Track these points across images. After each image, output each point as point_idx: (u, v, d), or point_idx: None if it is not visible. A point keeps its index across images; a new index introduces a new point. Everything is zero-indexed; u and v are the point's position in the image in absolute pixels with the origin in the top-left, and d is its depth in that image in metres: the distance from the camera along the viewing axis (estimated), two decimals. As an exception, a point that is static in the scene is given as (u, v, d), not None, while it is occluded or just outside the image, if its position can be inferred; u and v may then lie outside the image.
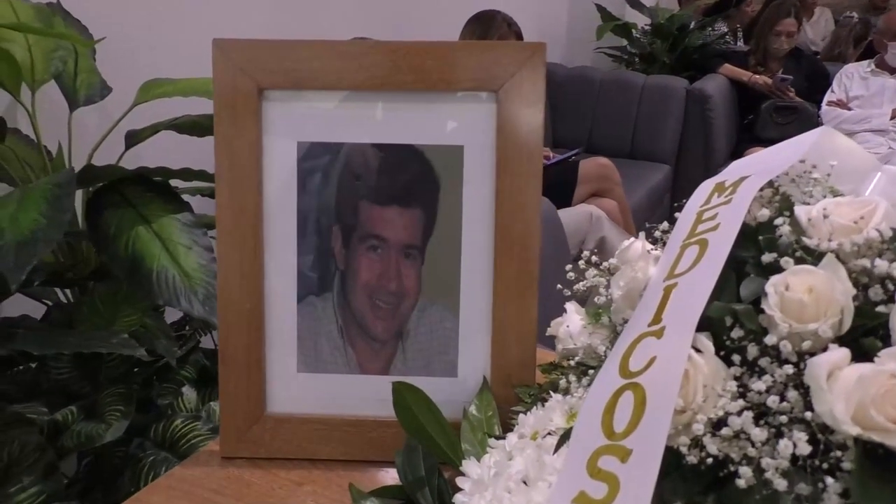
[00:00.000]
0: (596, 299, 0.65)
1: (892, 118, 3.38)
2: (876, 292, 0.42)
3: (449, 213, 0.65)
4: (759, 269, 0.49)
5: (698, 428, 0.40)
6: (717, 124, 3.47)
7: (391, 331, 0.67)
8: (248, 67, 0.63)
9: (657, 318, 0.47)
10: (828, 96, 3.57)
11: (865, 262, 0.44)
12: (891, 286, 0.42)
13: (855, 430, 0.36)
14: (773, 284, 0.44)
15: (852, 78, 3.57)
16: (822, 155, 0.57)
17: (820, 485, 0.37)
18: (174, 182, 1.12)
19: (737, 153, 3.55)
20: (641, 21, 4.14)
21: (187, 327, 1.33)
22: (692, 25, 4.00)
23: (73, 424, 0.95)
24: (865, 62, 3.62)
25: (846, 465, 0.37)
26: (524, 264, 0.65)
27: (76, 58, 1.23)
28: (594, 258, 0.61)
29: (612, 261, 0.63)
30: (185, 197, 1.08)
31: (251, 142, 0.64)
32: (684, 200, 0.58)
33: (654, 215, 3.42)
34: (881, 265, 0.42)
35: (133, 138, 1.23)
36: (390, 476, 0.65)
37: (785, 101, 3.50)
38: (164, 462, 1.01)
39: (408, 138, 0.65)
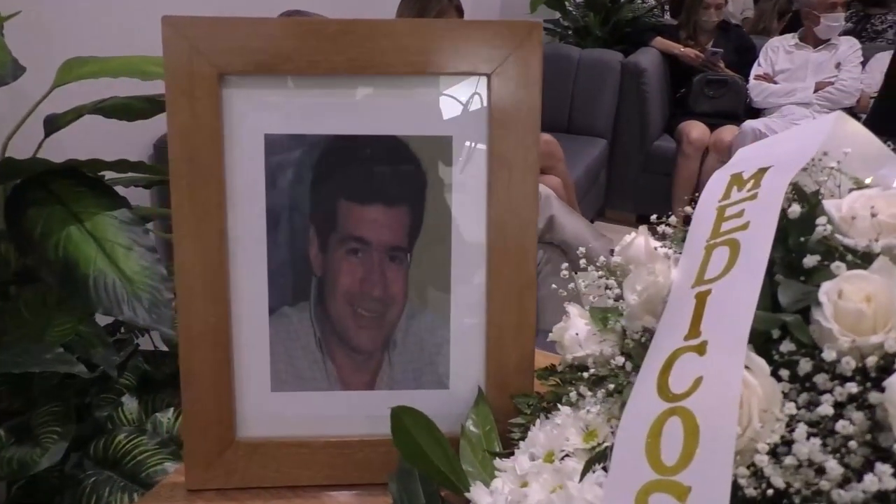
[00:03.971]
0: (592, 299, 0.61)
1: (815, 91, 3.48)
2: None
3: (437, 211, 0.59)
4: (790, 272, 0.45)
5: (761, 459, 0.36)
6: (651, 98, 3.50)
7: (376, 342, 0.61)
8: (206, 49, 0.55)
9: (695, 332, 0.42)
10: (755, 70, 3.65)
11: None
12: (952, 293, 0.39)
13: (946, 461, 0.33)
14: (825, 293, 0.40)
15: (777, 52, 3.65)
16: (832, 142, 0.54)
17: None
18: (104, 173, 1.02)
19: (670, 126, 3.60)
20: (575, -6, 4.13)
21: (122, 329, 1.23)
22: (623, -1, 4.02)
23: (2, 450, 0.84)
24: (790, 35, 3.70)
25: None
26: (521, 264, 0.60)
27: (-18, 34, 1.10)
28: (605, 261, 0.56)
29: (616, 259, 0.59)
30: (118, 189, 0.97)
31: (211, 134, 0.56)
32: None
33: (592, 190, 3.43)
34: (943, 269, 0.39)
35: (52, 124, 1.10)
36: (381, 501, 0.59)
37: (716, 75, 3.55)
38: (107, 483, 0.92)
39: (390, 129, 0.58)
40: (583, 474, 0.45)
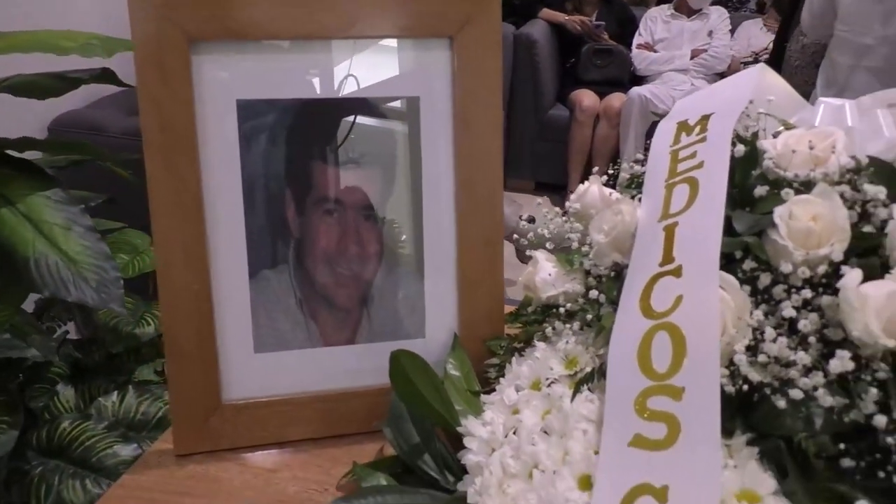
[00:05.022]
0: (546, 245, 0.66)
1: (691, 58, 3.71)
2: (854, 214, 0.46)
3: (408, 170, 0.62)
4: (738, 203, 0.51)
5: (739, 358, 0.42)
6: (543, 68, 3.62)
7: (355, 298, 0.63)
8: (175, 15, 0.55)
9: (668, 259, 0.48)
10: (636, 39, 3.84)
11: (844, 188, 0.47)
12: (879, 208, 0.46)
13: (891, 343, 0.40)
14: (779, 216, 0.46)
15: (656, 21, 3.86)
16: (758, 92, 0.61)
17: (860, 395, 0.40)
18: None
19: (562, 96, 3.74)
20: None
21: (45, 315, 1.17)
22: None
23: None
24: (665, 6, 3.91)
25: (881, 375, 0.40)
26: (490, 217, 0.64)
27: None
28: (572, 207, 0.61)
29: (575, 206, 0.64)
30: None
31: (183, 102, 0.57)
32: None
33: (492, 160, 3.52)
34: (870, 190, 0.46)
35: (-47, 104, 1.03)
36: (369, 448, 0.62)
37: (602, 45, 3.71)
38: (56, 471, 0.89)
39: (360, 92, 0.60)
40: (574, 394, 0.50)
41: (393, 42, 0.60)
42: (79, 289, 0.78)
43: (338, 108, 0.60)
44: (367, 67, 0.60)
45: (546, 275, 0.61)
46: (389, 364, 0.54)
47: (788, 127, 0.57)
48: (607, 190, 0.63)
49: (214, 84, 0.57)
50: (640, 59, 3.77)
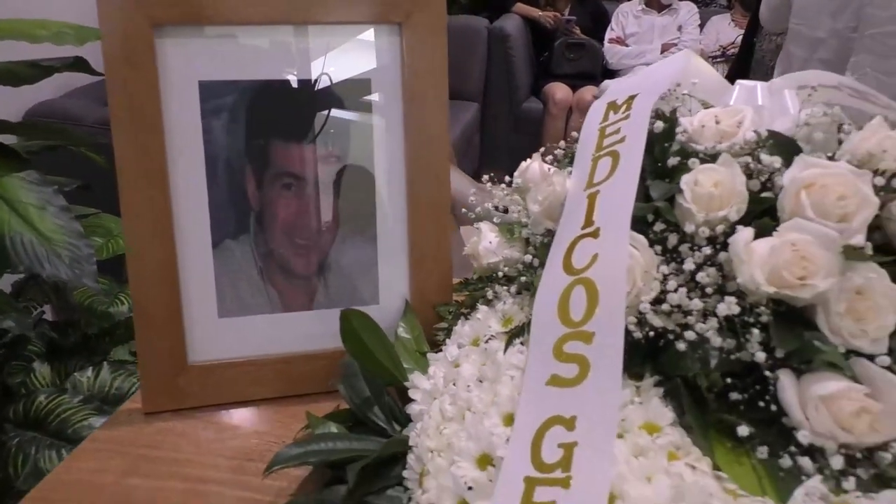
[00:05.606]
0: (495, 219, 0.71)
1: (661, 52, 3.79)
2: (758, 183, 0.52)
3: (361, 146, 0.67)
4: (658, 174, 0.57)
5: (644, 307, 0.48)
6: (517, 62, 3.67)
7: (312, 267, 0.68)
8: (139, 1, 0.59)
9: (589, 223, 0.53)
10: (608, 34, 3.92)
11: (747, 159, 0.53)
12: (774, 177, 0.51)
13: (772, 290, 0.45)
14: (685, 183, 0.51)
15: (627, 16, 3.93)
16: (684, 75, 0.66)
17: (745, 338, 0.46)
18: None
19: (536, 89, 3.80)
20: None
21: (21, 297, 1.21)
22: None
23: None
24: (636, 1, 3.99)
25: (764, 319, 0.46)
26: (437, 190, 0.68)
27: None
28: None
29: (517, 180, 0.69)
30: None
31: (148, 83, 0.61)
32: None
33: (468, 153, 3.57)
34: (766, 160, 0.51)
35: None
36: (327, 406, 0.67)
37: (574, 39, 3.78)
38: (33, 442, 0.93)
39: (316, 73, 0.65)
40: (506, 347, 0.55)
41: (346, 27, 0.65)
42: (53, 265, 0.82)
43: (294, 88, 0.65)
44: (322, 51, 0.65)
45: (488, 243, 0.66)
46: (340, 323, 0.59)
47: (707, 106, 0.63)
48: (547, 166, 0.68)
49: (177, 66, 0.62)
50: (611, 53, 3.84)
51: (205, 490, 0.58)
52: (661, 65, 0.69)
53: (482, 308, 0.63)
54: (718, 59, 3.70)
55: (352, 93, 0.66)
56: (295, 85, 0.65)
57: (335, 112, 0.66)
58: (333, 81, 0.65)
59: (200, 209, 0.64)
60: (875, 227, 0.53)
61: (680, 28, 3.79)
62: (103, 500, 0.57)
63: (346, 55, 0.66)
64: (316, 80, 0.65)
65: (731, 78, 0.73)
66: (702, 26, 3.88)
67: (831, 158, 0.53)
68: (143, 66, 0.61)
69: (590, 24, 3.87)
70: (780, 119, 0.62)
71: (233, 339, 0.67)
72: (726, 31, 3.88)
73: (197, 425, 0.65)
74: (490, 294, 0.64)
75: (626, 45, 3.85)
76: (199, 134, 0.63)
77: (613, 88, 0.70)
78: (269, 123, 0.65)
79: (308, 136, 0.66)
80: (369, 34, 0.66)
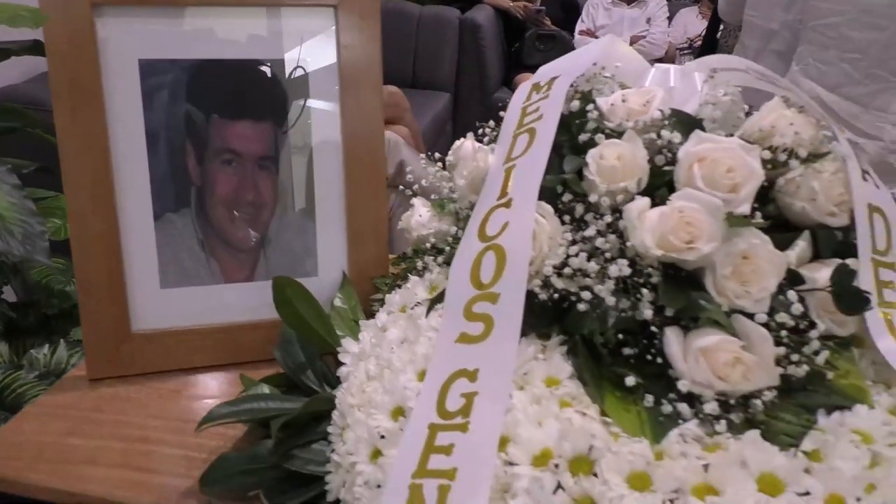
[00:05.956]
0: (432, 197, 0.75)
1: (630, 44, 3.84)
2: (663, 158, 0.56)
3: (299, 124, 0.70)
4: (574, 150, 0.61)
5: (548, 270, 0.51)
6: (488, 52, 3.70)
7: (252, 240, 0.71)
8: (79, -19, 0.62)
9: (504, 193, 0.57)
10: (579, 26, 3.96)
11: (653, 135, 0.57)
12: (672, 151, 0.55)
13: (660, 253, 0.49)
14: (591, 156, 0.55)
15: (597, 8, 3.98)
16: (608, 60, 0.70)
17: (636, 297, 0.49)
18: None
19: (507, 79, 3.83)
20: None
21: (-21, 280, 1.22)
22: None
23: None
24: (607, -8, 4.03)
25: (654, 280, 0.50)
26: (373, 168, 0.72)
27: None
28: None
29: (450, 158, 0.72)
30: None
31: (88, 60, 0.63)
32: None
33: (439, 142, 3.60)
34: (666, 135, 0.55)
35: None
36: (266, 373, 0.70)
37: (545, 30, 3.82)
38: (-12, 417, 0.95)
39: (252, 53, 0.68)
40: (428, 311, 0.59)
41: (284, 10, 0.68)
42: (4, 241, 0.84)
43: (232, 68, 0.67)
44: (260, 32, 0.68)
45: (419, 217, 0.70)
46: (273, 291, 0.62)
47: (624, 87, 0.67)
48: (478, 144, 0.71)
49: (117, 45, 0.64)
50: (581, 44, 3.88)
51: (145, 449, 0.61)
52: (584, 49, 0.73)
53: (413, 278, 0.67)
54: (686, 52, 3.77)
55: (289, 73, 0.69)
56: (234, 65, 0.67)
57: (273, 93, 0.69)
58: (272, 62, 0.68)
59: (141, 183, 0.67)
60: (771, 200, 0.58)
61: (649, 21, 3.84)
62: (45, 457, 0.60)
63: (285, 37, 0.68)
64: (255, 61, 0.68)
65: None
66: (670, 19, 3.94)
67: (731, 136, 0.57)
68: (83, 45, 0.63)
69: (560, 16, 3.91)
70: (691, 99, 0.66)
71: (175, 309, 0.70)
72: (694, 23, 3.94)
73: (140, 391, 0.68)
74: (420, 265, 0.67)
75: (596, 37, 3.90)
76: (140, 110, 0.66)
77: (541, 71, 0.74)
78: (209, 101, 0.67)
79: (246, 114, 0.68)
80: (305, 15, 0.68)
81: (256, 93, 0.68)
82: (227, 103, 0.68)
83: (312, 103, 0.70)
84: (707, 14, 3.75)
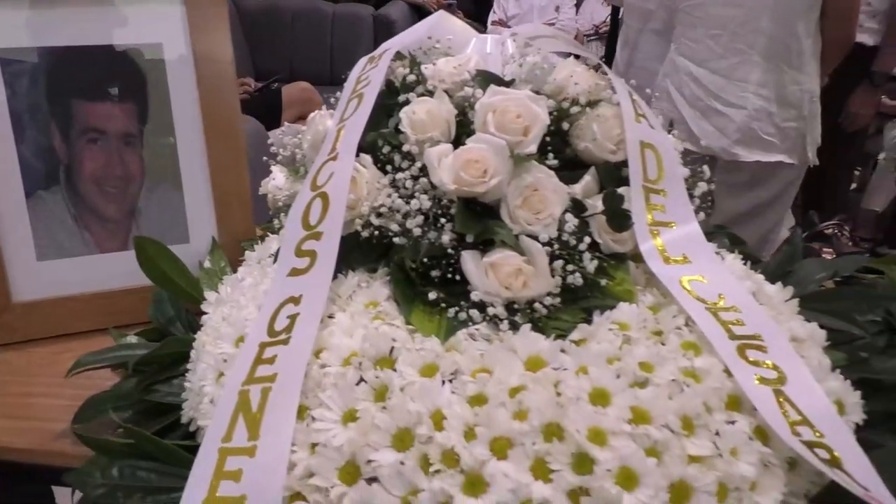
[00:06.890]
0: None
1: (543, 33, 3.97)
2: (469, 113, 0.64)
3: (159, 102, 0.76)
4: (399, 109, 0.69)
5: (364, 210, 0.60)
6: (403, 47, 3.77)
7: (123, 212, 0.77)
8: (-67, -23, 0.67)
9: (333, 149, 0.65)
10: (491, 16, 4.08)
11: (461, 93, 0.66)
12: (473, 106, 0.64)
13: (454, 187, 0.58)
14: (404, 112, 0.64)
15: (508, -1, 4.11)
16: (441, 33, 0.79)
17: (439, 225, 0.58)
18: None
19: (424, 72, 3.91)
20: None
21: None
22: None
23: None
24: (517, -17, 4.16)
25: (453, 212, 0.58)
26: (232, 140, 0.79)
27: None
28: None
29: (302, 128, 0.80)
30: None
31: (-52, 51, 0.69)
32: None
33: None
34: (467, 91, 0.64)
35: None
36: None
37: (459, 22, 3.91)
38: None
39: (108, 39, 0.74)
40: (275, 258, 0.66)
41: (135, -2, 0.74)
42: None
43: (91, 53, 0.73)
44: (113, 18, 0.74)
45: (276, 181, 0.77)
46: (136, 251, 0.69)
47: (448, 55, 0.76)
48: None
49: (-24, 36, 0.70)
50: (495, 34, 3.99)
51: (28, 402, 0.67)
52: (418, 24, 0.81)
53: (271, 236, 0.74)
54: (592, 38, 3.92)
55: (147, 56, 0.75)
56: (93, 50, 0.73)
57: (132, 74, 0.75)
58: (127, 46, 0.74)
59: (10, 163, 0.72)
60: (568, 144, 0.68)
61: (557, 8, 3.99)
62: (-72, 416, 0.65)
63: (139, 21, 0.75)
64: (111, 46, 0.74)
65: (608, 55, 0.85)
66: (578, 6, 4.09)
67: (538, 92, 0.67)
68: (-57, 36, 0.68)
69: (472, 8, 4.02)
70: (508, 64, 0.75)
71: (53, 279, 0.75)
72: (600, 10, 4.10)
73: (23, 355, 0.73)
74: (277, 223, 0.75)
75: (508, 27, 4.02)
76: (3, 96, 0.71)
77: (383, 46, 0.82)
78: (70, 84, 0.73)
79: (107, 95, 0.74)
80: (158, 3, 0.75)
81: (116, 75, 0.74)
82: (87, 87, 0.74)
83: (170, 81, 0.76)
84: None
